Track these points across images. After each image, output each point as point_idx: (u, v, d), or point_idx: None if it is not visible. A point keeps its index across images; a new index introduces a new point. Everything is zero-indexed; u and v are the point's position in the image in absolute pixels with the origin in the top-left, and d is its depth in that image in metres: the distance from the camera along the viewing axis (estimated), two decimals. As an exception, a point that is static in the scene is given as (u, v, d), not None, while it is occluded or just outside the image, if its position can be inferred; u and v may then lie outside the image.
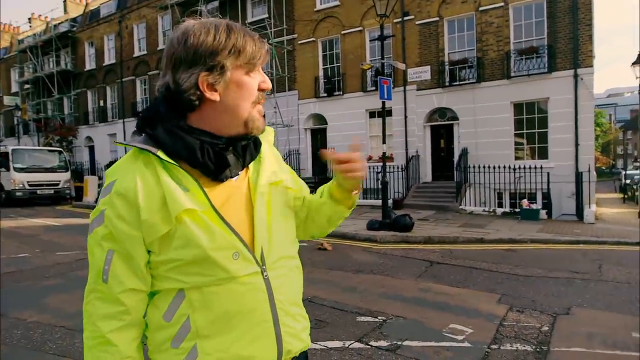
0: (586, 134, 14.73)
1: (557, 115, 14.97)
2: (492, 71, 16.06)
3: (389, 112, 18.61)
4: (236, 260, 1.08)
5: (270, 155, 1.23)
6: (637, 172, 27.10)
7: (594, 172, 14.88)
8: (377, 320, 4.84)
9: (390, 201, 16.58)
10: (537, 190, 15.02)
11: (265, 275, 1.11)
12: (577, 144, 14.70)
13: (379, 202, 16.81)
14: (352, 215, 14.04)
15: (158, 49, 25.81)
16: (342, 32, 19.37)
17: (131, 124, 27.15)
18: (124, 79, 28.22)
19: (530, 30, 15.39)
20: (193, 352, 1.07)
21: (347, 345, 4.17)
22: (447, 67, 16.92)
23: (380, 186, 18.26)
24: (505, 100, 15.84)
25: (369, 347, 4.16)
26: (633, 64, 14.39)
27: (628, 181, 28.10)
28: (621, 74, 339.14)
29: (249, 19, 21.56)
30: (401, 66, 11.29)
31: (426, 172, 17.97)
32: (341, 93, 19.61)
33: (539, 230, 11.52)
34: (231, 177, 1.12)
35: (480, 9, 16.04)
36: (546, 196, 14.65)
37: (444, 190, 16.57)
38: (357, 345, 4.20)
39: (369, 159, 19.11)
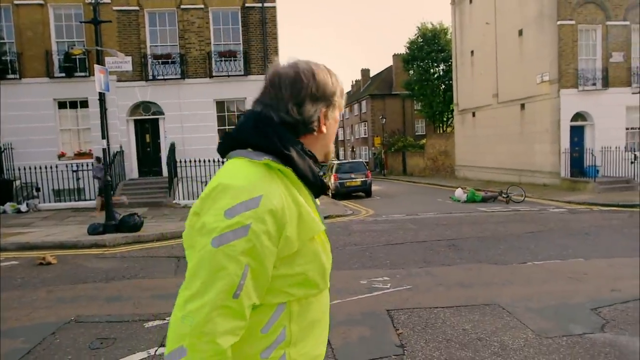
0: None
1: (253, 113, 17.07)
2: (195, 69, 16.76)
3: (84, 104, 16.77)
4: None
5: None
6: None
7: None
8: (165, 321, 4.72)
9: (95, 201, 15.11)
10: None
11: None
12: (269, 139, 17.20)
13: (80, 204, 15.12)
14: (56, 222, 12.18)
15: None
16: (15, 1, 16.02)
17: None
18: None
19: (229, 35, 16.89)
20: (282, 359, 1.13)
21: (153, 354, 3.99)
22: (150, 60, 16.57)
23: (80, 186, 16.43)
24: (208, 98, 16.87)
25: (176, 348, 4.10)
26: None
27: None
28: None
29: None
30: (120, 56, 10.48)
31: (132, 168, 17.19)
32: (18, 77, 16.26)
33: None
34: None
35: (182, 6, 16.43)
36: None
37: (154, 186, 16.31)
38: (163, 350, 4.06)
39: (62, 155, 16.72)
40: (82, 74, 16.27)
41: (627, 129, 19.54)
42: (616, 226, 10.57)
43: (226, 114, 17.36)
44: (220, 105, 17.30)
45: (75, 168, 15.85)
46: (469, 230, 10.21)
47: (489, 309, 4.91)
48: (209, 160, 16.16)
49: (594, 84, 19.08)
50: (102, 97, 10.05)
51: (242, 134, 1.15)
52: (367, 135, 50.14)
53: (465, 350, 3.96)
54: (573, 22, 18.88)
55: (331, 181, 19.33)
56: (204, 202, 1.08)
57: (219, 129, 17.24)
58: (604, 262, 7.04)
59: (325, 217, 9.45)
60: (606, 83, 19.08)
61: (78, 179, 15.73)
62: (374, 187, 25.04)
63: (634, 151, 18.08)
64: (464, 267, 6.90)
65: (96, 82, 9.59)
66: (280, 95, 1.17)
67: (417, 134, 45.62)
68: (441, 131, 38.17)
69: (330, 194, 19.44)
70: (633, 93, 17.95)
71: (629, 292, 5.41)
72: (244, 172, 1.08)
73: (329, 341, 1.59)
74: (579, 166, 19.05)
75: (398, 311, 4.93)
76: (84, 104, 16.72)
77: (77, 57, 15.32)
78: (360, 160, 20.27)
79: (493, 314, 4.79)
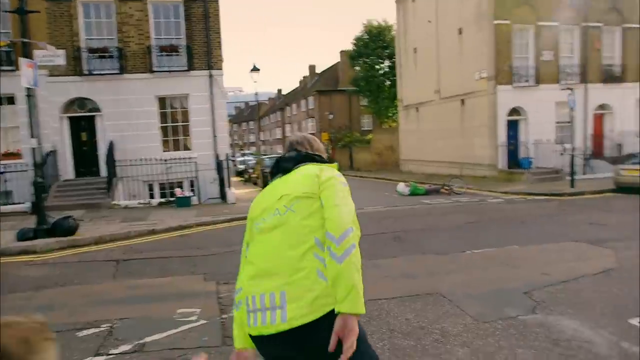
0: (221, 127, 17.07)
1: (197, 110, 16.61)
2: (135, 64, 16.05)
3: (11, 100, 15.64)
4: None
5: None
6: (250, 158, 33.30)
7: (231, 160, 17.48)
8: (102, 329, 4.50)
9: (25, 205, 14.15)
10: (185, 179, 16.32)
11: None
12: (215, 136, 16.79)
13: (8, 208, 14.08)
14: (-18, 228, 11.26)
15: None
16: None
17: None
18: None
19: (170, 29, 16.30)
20: None
21: (88, 363, 3.78)
22: (85, 54, 15.68)
23: (7, 189, 15.30)
24: (149, 94, 16.21)
25: (113, 355, 3.92)
26: (251, 70, 17.64)
27: (243, 167, 34.04)
28: (228, 77, 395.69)
29: None
30: (50, 49, 9.81)
31: (67, 168, 16.22)
32: None
33: (196, 215, 12.70)
34: None
35: (118, -2, 15.64)
36: (194, 184, 16.16)
37: (91, 187, 15.49)
38: (98, 359, 3.86)
39: (-13, 156, 15.49)
40: (9, 67, 15.12)
41: (556, 122, 20.84)
42: (547, 214, 11.25)
43: (169, 110, 16.78)
44: (162, 101, 16.69)
45: (2, 170, 14.75)
46: (413, 222, 10.49)
47: (431, 298, 5.06)
48: (151, 159, 15.60)
49: (527, 81, 20.18)
50: (30, 93, 9.39)
51: (304, 158, 2.01)
52: (314, 132, 50.33)
53: (408, 339, 4.06)
54: (508, 21, 19.84)
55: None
56: (331, 172, 1.92)
57: (161, 126, 16.65)
58: (536, 248, 7.46)
59: None
60: (538, 80, 20.22)
61: (5, 181, 14.66)
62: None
63: (563, 144, 19.30)
64: (409, 258, 7.08)
65: (22, 76, 8.94)
66: (302, 145, 2.16)
67: (363, 129, 46.35)
68: (387, 126, 39.00)
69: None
70: (561, 89, 19.13)
71: (557, 276, 5.76)
72: (330, 164, 2.02)
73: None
74: (514, 158, 20.11)
75: (343, 304, 4.95)
76: (11, 100, 15.59)
77: (2, 49, 14.24)
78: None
79: (435, 303, 4.94)
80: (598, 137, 21.51)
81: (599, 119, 21.91)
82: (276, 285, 1.65)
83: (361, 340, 1.58)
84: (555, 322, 4.34)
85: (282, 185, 1.90)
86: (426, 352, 3.83)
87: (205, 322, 4.63)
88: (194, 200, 15.52)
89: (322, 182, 1.80)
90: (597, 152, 21.10)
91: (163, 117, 16.78)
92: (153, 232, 10.32)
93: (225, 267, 6.89)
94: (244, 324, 1.76)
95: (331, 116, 39.34)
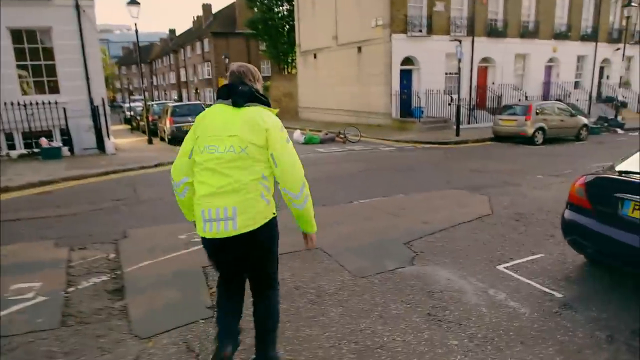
0: (95, 68, 14.99)
1: (64, 47, 14.31)
2: (-25, -14, 13.16)
3: None
4: None
5: None
6: (139, 104, 30.30)
7: (108, 106, 15.58)
8: None
9: None
10: (55, 127, 14.27)
11: None
12: (87, 78, 14.74)
13: None
14: None
15: None
16: None
17: None
18: None
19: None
20: None
21: None
22: None
23: None
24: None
25: None
26: (128, 4, 15.52)
27: (132, 113, 31.08)
28: (113, 10, 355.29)
29: None
30: None
31: None
32: None
33: (66, 167, 11.21)
34: None
35: None
36: (65, 132, 14.21)
37: None
38: None
39: None
40: None
41: (446, 74, 21.69)
42: (434, 161, 11.69)
43: (26, 46, 14.24)
44: (17, 35, 14.09)
45: None
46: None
47: (310, 254, 4.79)
48: (8, 104, 13.32)
49: (420, 31, 20.50)
50: None
51: (252, 97, 2.40)
52: (211, 77, 47.61)
53: (282, 302, 3.72)
54: (405, -32, 19.67)
55: (166, 125, 17.74)
56: (273, 122, 2.38)
57: (18, 65, 14.14)
58: (421, 196, 7.59)
59: (156, 165, 9.36)
60: (430, 30, 20.64)
61: None
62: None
63: (451, 94, 20.21)
64: (295, 211, 6.76)
65: None
66: (249, 79, 2.49)
67: (263, 75, 44.75)
68: (287, 73, 38.01)
69: (166, 139, 17.94)
70: (450, 40, 19.76)
71: (436, 224, 5.83)
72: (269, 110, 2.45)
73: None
74: (407, 108, 20.69)
75: (216, 267, 4.49)
76: None
77: None
78: (199, 102, 18.88)
79: (314, 259, 4.68)
80: (481, 88, 22.89)
81: (483, 72, 23.24)
82: (230, 202, 2.28)
83: (277, 245, 2.62)
84: (432, 272, 4.30)
85: (232, 119, 2.34)
86: (300, 315, 3.54)
87: (44, 298, 3.88)
88: (65, 151, 13.70)
89: (268, 133, 2.31)
90: (480, 103, 22.51)
91: (21, 54, 14.25)
92: (7, 189, 8.82)
93: (87, 228, 6.01)
94: (198, 224, 2.40)
95: (227, 60, 37.17)
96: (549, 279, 4.10)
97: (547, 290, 3.88)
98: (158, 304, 3.77)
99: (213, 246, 2.40)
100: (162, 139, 18.92)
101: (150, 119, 20.25)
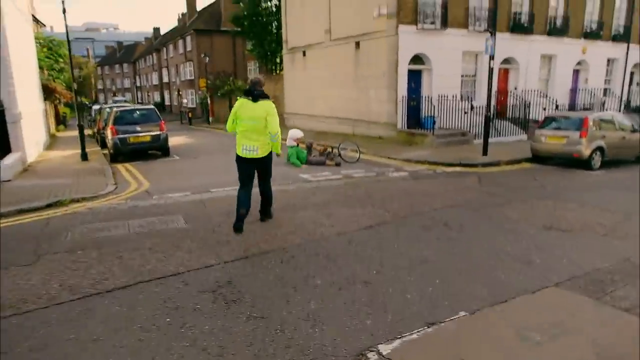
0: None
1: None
2: None
3: None
4: None
5: None
6: (115, 105, 26.43)
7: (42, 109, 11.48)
8: None
9: None
10: None
11: None
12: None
13: None
14: None
15: None
16: None
17: None
18: None
19: None
20: None
21: None
22: None
23: None
24: None
25: None
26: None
27: (99, 117, 26.97)
28: (100, 8, 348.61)
29: None
30: None
31: None
32: None
33: None
34: None
35: None
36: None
37: None
38: None
39: None
40: None
41: (462, 76, 17.86)
42: (473, 204, 7.70)
43: None
44: None
45: None
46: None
47: None
48: None
49: (433, 23, 16.63)
50: None
51: (261, 96, 6.04)
52: (193, 77, 43.53)
53: None
54: (413, -55, 15.81)
55: (108, 137, 13.65)
56: (271, 108, 6.05)
57: None
58: (498, 314, 3.62)
59: (48, 206, 7.63)
60: (445, 22, 16.79)
61: None
62: (180, 141, 20.04)
63: (471, 100, 16.38)
64: None
65: None
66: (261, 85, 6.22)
67: (250, 77, 40.72)
68: (275, 74, 34.03)
69: (109, 154, 13.83)
70: (463, 36, 15.96)
71: None
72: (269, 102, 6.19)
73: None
74: (416, 116, 16.80)
75: None
76: None
77: None
78: (151, 106, 14.80)
79: None
80: (502, 95, 19.05)
81: (504, 75, 19.45)
82: (255, 145, 6.00)
83: (271, 161, 6.40)
84: None
85: (253, 107, 5.92)
86: None
87: None
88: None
89: (268, 114, 5.87)
90: (500, 112, 18.66)
91: None
92: None
93: None
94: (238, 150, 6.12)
95: (207, 59, 33.12)
96: None
97: None
98: None
99: (246, 161, 6.07)
100: (113, 154, 14.28)
101: (99, 126, 16.14)
